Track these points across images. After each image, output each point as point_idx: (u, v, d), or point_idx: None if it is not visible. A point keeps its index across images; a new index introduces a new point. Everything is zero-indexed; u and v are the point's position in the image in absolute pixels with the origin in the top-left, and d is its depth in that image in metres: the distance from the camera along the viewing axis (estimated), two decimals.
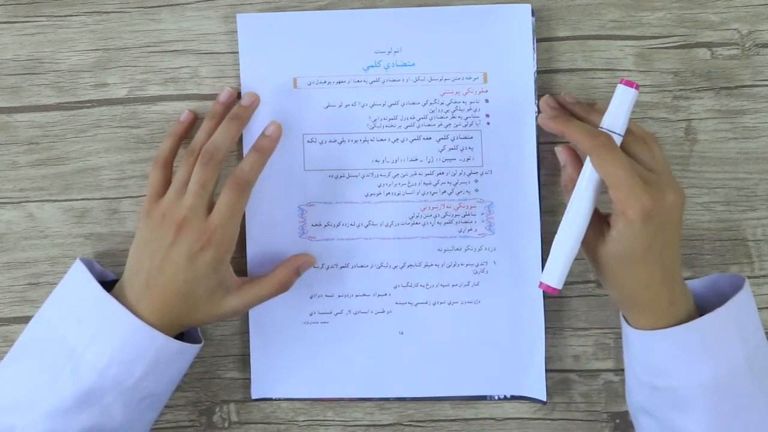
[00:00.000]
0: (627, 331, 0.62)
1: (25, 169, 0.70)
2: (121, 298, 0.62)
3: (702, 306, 0.62)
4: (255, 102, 0.67)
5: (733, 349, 0.59)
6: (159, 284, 0.61)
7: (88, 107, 0.70)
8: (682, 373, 0.59)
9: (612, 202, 0.58)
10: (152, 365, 0.61)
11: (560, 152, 0.64)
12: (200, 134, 0.66)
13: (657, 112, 0.69)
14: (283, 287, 0.66)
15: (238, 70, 0.69)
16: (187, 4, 0.70)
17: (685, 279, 0.64)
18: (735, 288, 0.61)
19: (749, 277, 0.69)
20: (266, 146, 0.66)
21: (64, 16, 0.70)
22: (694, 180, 0.69)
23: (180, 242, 0.61)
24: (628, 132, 0.60)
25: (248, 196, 0.64)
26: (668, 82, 0.69)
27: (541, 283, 0.61)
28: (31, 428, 0.59)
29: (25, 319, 0.70)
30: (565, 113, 0.65)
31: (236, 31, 0.69)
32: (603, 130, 0.60)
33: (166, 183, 0.65)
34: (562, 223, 0.60)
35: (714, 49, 0.69)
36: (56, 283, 0.69)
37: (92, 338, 0.60)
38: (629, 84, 0.60)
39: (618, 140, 0.59)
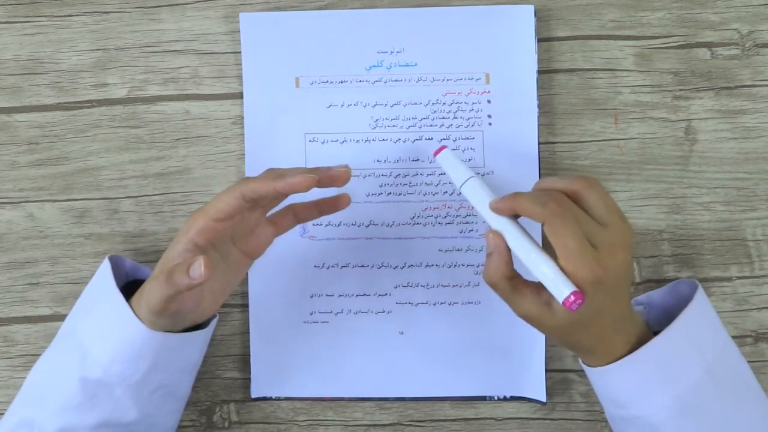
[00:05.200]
0: (584, 368, 0.62)
1: (25, 169, 0.70)
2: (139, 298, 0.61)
3: (665, 313, 0.62)
4: (308, 183, 0.57)
5: (691, 364, 0.58)
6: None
7: (88, 107, 0.70)
8: (643, 401, 0.58)
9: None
10: (155, 360, 0.60)
11: (489, 239, 0.58)
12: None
13: (657, 112, 0.69)
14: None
15: (238, 70, 0.69)
16: (187, 4, 0.70)
17: (677, 280, 0.64)
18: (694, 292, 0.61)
19: (749, 277, 0.69)
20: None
21: (64, 16, 0.70)
22: (694, 180, 0.69)
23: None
24: (574, 182, 0.57)
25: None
26: (668, 82, 0.69)
27: (574, 295, 0.54)
28: (46, 423, 0.59)
29: (25, 319, 0.70)
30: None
31: (236, 31, 0.69)
32: (464, 184, 0.59)
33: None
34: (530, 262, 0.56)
35: (714, 49, 0.69)
36: (56, 283, 0.70)
37: (97, 334, 0.60)
38: (438, 151, 0.61)
39: (474, 179, 0.59)
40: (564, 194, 0.56)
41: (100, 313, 0.61)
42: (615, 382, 0.59)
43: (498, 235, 0.57)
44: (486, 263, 0.58)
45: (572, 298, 0.53)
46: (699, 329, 0.59)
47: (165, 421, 0.64)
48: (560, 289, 0.54)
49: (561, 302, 0.54)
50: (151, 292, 0.58)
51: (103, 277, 0.63)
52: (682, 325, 0.58)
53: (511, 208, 0.57)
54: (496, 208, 0.58)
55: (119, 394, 0.60)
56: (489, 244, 0.58)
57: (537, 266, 0.55)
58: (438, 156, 0.61)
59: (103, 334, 0.60)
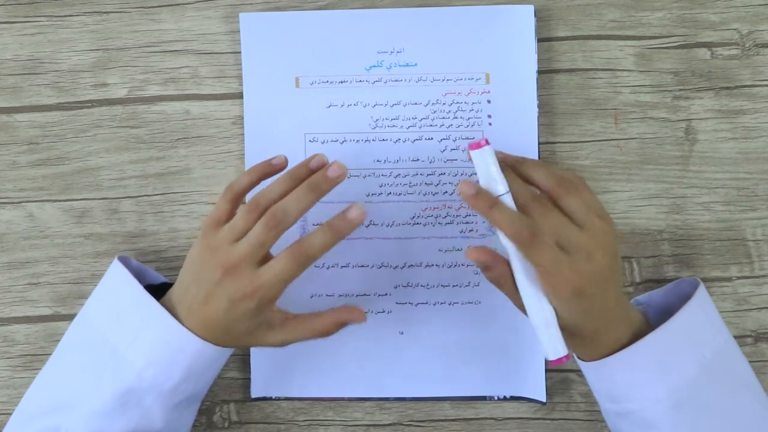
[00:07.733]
0: (579, 363, 0.62)
1: (25, 169, 0.70)
2: (170, 308, 0.60)
3: (667, 312, 0.61)
4: (341, 177, 0.59)
5: (688, 360, 0.58)
6: (201, 313, 0.59)
7: (88, 107, 0.70)
8: (637, 395, 0.58)
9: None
10: (189, 369, 0.60)
11: (476, 255, 0.57)
12: (271, 190, 0.59)
13: (657, 112, 0.69)
14: (324, 335, 0.62)
15: (238, 70, 0.69)
16: (187, 4, 0.70)
17: (678, 279, 0.64)
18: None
19: (749, 277, 0.69)
20: (342, 229, 0.59)
21: (64, 16, 0.70)
22: (694, 180, 0.69)
23: (225, 284, 0.58)
24: (559, 182, 0.57)
25: (305, 269, 0.59)
26: (668, 82, 0.69)
27: (551, 362, 0.56)
28: (74, 429, 0.59)
29: (25, 319, 0.70)
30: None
31: (236, 31, 0.69)
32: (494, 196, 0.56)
33: (231, 215, 0.60)
34: (526, 305, 0.57)
35: (714, 49, 0.69)
36: (56, 283, 0.69)
37: (133, 338, 0.59)
38: (477, 146, 0.56)
39: (507, 197, 0.56)
40: (545, 197, 0.57)
41: (131, 316, 0.60)
42: (609, 376, 0.59)
43: (484, 251, 0.57)
44: (485, 275, 0.58)
45: (552, 364, 0.57)
46: (698, 326, 0.59)
47: (184, 426, 0.64)
48: (545, 350, 0.57)
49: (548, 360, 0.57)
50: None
51: (122, 280, 0.62)
52: (679, 322, 0.58)
53: (484, 214, 0.56)
54: (465, 197, 0.56)
55: (149, 402, 0.59)
56: (480, 259, 0.57)
57: (531, 317, 0.57)
58: (475, 152, 0.57)
59: (138, 338, 0.59)
